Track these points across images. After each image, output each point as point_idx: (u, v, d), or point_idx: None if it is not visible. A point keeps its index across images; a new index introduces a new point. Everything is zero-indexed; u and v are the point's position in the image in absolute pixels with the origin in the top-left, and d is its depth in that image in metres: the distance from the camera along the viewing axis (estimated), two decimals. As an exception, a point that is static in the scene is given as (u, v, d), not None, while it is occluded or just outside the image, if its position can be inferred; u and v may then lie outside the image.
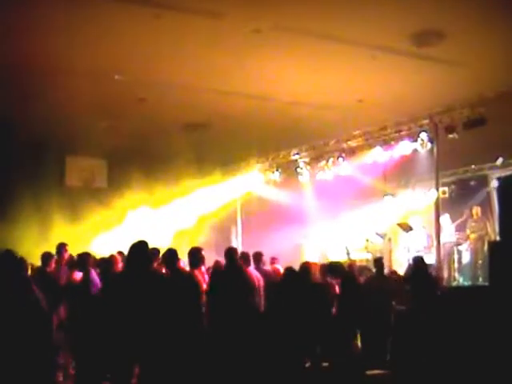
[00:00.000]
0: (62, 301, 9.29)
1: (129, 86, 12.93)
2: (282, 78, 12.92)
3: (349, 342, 9.72)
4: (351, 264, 13.27)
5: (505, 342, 8.21)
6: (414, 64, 12.08)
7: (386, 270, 12.87)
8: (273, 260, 12.27)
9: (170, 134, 15.43)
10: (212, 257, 11.21)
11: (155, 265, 9.49)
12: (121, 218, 17.18)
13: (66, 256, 10.59)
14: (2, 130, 14.60)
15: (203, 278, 9.68)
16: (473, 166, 17.78)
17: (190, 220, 18.09)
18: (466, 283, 15.96)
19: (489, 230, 16.42)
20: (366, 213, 18.30)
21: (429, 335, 9.68)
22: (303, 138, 15.62)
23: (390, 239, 16.61)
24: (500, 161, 16.51)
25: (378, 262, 12.30)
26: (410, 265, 13.19)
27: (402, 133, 13.85)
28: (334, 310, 9.83)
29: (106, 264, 9.73)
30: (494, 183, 16.57)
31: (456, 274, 16.41)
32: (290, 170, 16.70)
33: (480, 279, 15.63)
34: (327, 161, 15.55)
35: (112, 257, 9.88)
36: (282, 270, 10.95)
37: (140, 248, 8.37)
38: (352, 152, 15.07)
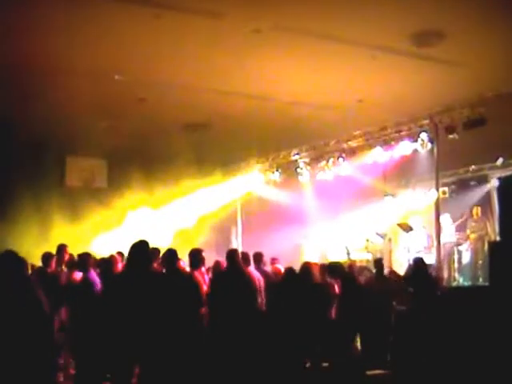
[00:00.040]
0: (63, 301, 9.29)
1: (129, 86, 12.93)
2: (282, 78, 12.92)
3: (349, 342, 9.72)
4: (351, 264, 13.29)
5: (505, 342, 8.21)
6: (414, 64, 12.08)
7: (385, 271, 12.86)
8: (273, 260, 12.26)
9: (170, 134, 15.43)
10: (212, 257, 11.21)
11: (155, 265, 9.48)
12: (121, 218, 17.18)
13: (67, 257, 10.58)
14: (2, 129, 14.60)
15: (203, 278, 9.68)
16: (473, 166, 17.76)
17: (190, 220, 18.09)
18: (466, 283, 15.97)
19: (489, 230, 16.44)
20: (366, 213, 18.29)
21: (429, 335, 9.67)
22: (303, 138, 15.62)
23: (390, 239, 16.61)
24: (500, 161, 16.50)
25: (378, 262, 12.32)
26: (410, 265, 13.19)
27: (402, 133, 13.84)
28: (333, 310, 9.82)
29: (106, 264, 9.74)
30: (494, 183, 16.57)
31: (456, 274, 16.41)
32: (290, 171, 16.70)
33: (480, 279, 15.64)
34: (327, 161, 15.55)
35: (112, 257, 9.89)
36: (282, 270, 10.94)
37: (141, 248, 8.37)
38: (352, 152, 15.07)
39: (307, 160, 16.17)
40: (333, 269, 10.37)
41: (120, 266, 9.71)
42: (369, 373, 9.81)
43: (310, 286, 9.72)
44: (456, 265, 16.53)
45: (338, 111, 14.32)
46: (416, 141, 13.35)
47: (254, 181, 17.75)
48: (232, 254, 9.52)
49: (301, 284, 9.78)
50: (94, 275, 9.34)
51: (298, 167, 16.29)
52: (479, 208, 16.86)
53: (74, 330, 9.10)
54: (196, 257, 9.56)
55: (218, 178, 18.06)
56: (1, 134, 14.76)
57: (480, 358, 8.58)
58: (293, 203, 17.81)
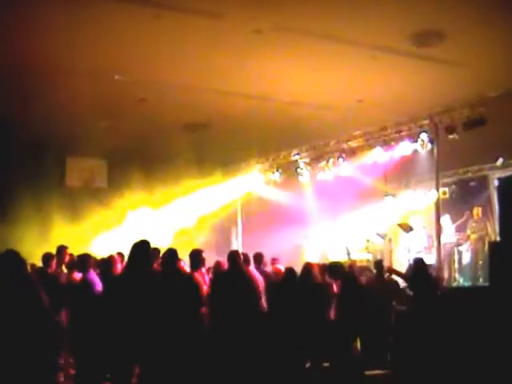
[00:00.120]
0: (63, 302, 9.28)
1: (129, 86, 12.93)
2: (282, 79, 12.91)
3: (349, 342, 9.71)
4: (352, 264, 13.28)
5: (505, 343, 8.21)
6: (414, 64, 12.08)
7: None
8: (273, 260, 12.26)
9: (170, 135, 15.44)
10: (212, 257, 11.21)
11: (155, 265, 9.48)
12: (121, 218, 17.19)
13: (67, 258, 10.58)
14: (2, 129, 14.60)
15: (203, 279, 9.68)
16: (473, 167, 17.76)
17: (190, 220, 18.08)
18: (466, 284, 15.96)
19: (489, 230, 16.42)
20: (366, 213, 18.29)
21: (429, 335, 9.68)
22: (303, 138, 15.62)
23: (390, 239, 16.59)
24: (500, 161, 16.50)
25: (378, 264, 12.31)
26: (410, 265, 13.19)
27: (403, 133, 13.83)
28: (333, 310, 9.82)
29: (106, 265, 9.74)
30: (495, 183, 16.56)
31: (456, 275, 16.41)
32: (290, 171, 16.69)
33: (480, 280, 15.64)
34: (327, 161, 15.54)
35: (111, 257, 9.89)
36: (283, 270, 10.94)
37: (142, 248, 8.37)
38: (352, 152, 15.05)
39: (307, 160, 16.16)
40: (333, 269, 10.37)
41: (119, 266, 9.71)
42: (369, 373, 9.80)
43: (310, 287, 9.72)
44: (456, 265, 16.53)
45: (338, 111, 14.32)
46: (416, 141, 13.34)
47: (254, 181, 17.74)
48: (233, 255, 9.52)
49: (301, 284, 9.79)
50: (94, 276, 9.33)
51: (298, 167, 16.28)
52: (479, 208, 16.85)
53: (73, 331, 9.09)
54: (196, 257, 9.56)
55: (218, 178, 18.06)
56: (1, 133, 14.75)
57: (480, 357, 8.58)
58: (293, 203, 17.80)
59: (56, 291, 8.74)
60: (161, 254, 9.54)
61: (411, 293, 11.10)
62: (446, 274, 15.19)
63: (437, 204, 13.28)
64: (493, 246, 10.63)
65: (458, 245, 16.77)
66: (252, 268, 10.51)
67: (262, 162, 17.39)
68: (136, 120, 14.80)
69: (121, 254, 10.52)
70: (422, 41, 11.07)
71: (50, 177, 16.46)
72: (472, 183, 18.04)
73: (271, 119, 14.70)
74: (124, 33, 10.78)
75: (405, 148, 13.91)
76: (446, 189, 17.51)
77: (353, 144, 15.02)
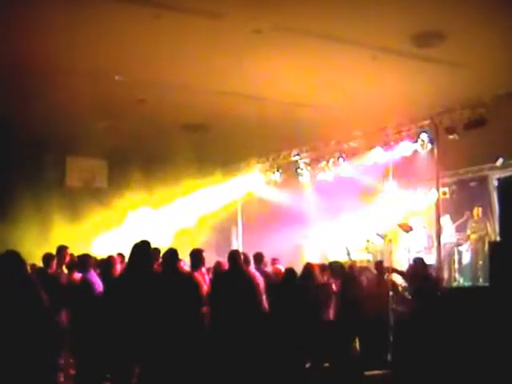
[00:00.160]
0: (63, 302, 9.29)
1: (129, 86, 12.92)
2: (282, 79, 12.90)
3: (348, 342, 9.72)
4: (352, 265, 13.27)
5: (505, 343, 8.20)
6: (414, 65, 12.07)
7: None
8: (274, 261, 12.26)
9: (170, 135, 15.44)
10: (212, 257, 11.21)
11: (155, 265, 9.49)
12: (121, 218, 17.19)
13: (67, 259, 10.59)
14: (2, 129, 14.59)
15: (203, 279, 9.68)
16: (473, 167, 17.74)
17: (190, 220, 18.08)
18: (466, 284, 15.96)
19: (489, 230, 16.41)
20: (366, 213, 18.28)
21: (429, 336, 9.68)
22: (304, 138, 15.61)
23: (390, 240, 16.52)
24: (500, 161, 16.47)
25: (379, 265, 12.32)
26: (410, 265, 13.18)
27: (403, 133, 13.81)
28: (332, 310, 9.83)
29: (106, 265, 9.74)
30: (495, 184, 16.55)
31: (456, 275, 16.41)
32: (290, 171, 16.68)
33: (480, 280, 15.63)
34: (327, 161, 15.54)
35: (110, 258, 9.90)
36: (283, 271, 10.94)
37: (142, 248, 8.38)
38: (352, 153, 15.05)
39: (307, 160, 16.15)
40: (333, 268, 10.37)
41: (119, 266, 9.72)
42: (369, 373, 9.81)
43: (311, 287, 9.73)
44: (456, 265, 16.53)
45: (338, 111, 14.30)
46: (416, 141, 13.34)
47: (254, 181, 17.73)
48: (234, 255, 9.52)
49: (302, 284, 9.79)
50: (94, 276, 9.34)
51: (299, 167, 16.27)
52: (480, 208, 16.84)
53: (73, 331, 9.09)
54: (196, 257, 9.59)
55: (219, 178, 18.06)
56: (1, 133, 14.75)
57: (480, 358, 8.58)
58: (293, 204, 17.79)
59: (56, 291, 8.75)
60: (161, 255, 9.55)
61: (409, 297, 11.12)
62: (446, 274, 15.21)
63: (437, 204, 13.27)
64: (493, 246, 10.62)
65: (458, 245, 16.77)
66: (252, 268, 10.52)
67: (263, 162, 17.38)
68: (136, 120, 14.80)
69: (121, 255, 10.53)
70: (423, 41, 11.07)
71: (50, 177, 16.47)
72: (472, 183, 18.01)
73: (271, 119, 14.68)
74: (124, 33, 10.78)
75: (405, 148, 13.90)
76: (446, 189, 17.48)
77: (353, 144, 15.01)
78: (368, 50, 11.40)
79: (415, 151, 13.68)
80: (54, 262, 10.12)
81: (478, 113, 12.21)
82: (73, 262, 10.17)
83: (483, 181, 17.57)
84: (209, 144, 16.10)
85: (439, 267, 13.34)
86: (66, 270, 10.35)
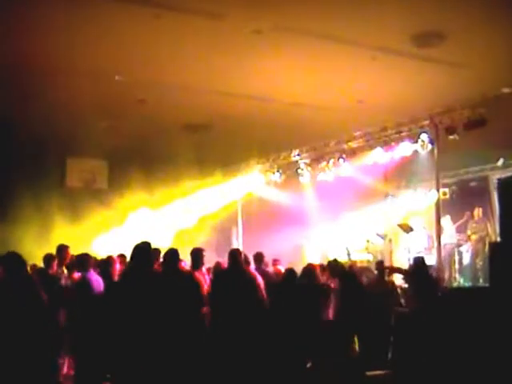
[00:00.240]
0: (62, 302, 9.29)
1: (129, 86, 12.93)
2: (283, 79, 12.91)
3: (348, 342, 9.71)
4: (352, 265, 13.29)
5: (505, 343, 8.20)
6: (414, 65, 12.08)
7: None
8: (275, 261, 12.27)
9: (170, 135, 15.45)
10: (213, 257, 11.21)
11: (156, 265, 9.49)
12: (121, 218, 17.19)
13: (68, 258, 10.59)
14: (2, 129, 14.59)
15: (204, 278, 9.68)
16: (474, 167, 17.74)
17: (190, 221, 18.08)
18: (466, 284, 15.96)
19: (489, 230, 16.42)
20: (366, 214, 18.28)
21: (429, 336, 9.66)
22: (304, 138, 15.62)
23: (390, 240, 16.60)
24: (501, 161, 16.48)
25: (379, 265, 12.31)
26: (410, 265, 13.18)
27: (403, 134, 13.80)
28: (331, 309, 9.82)
29: (105, 265, 9.75)
30: (495, 184, 16.55)
31: (457, 275, 16.42)
32: (290, 171, 16.68)
33: (480, 280, 15.64)
34: (328, 162, 15.53)
35: (110, 258, 9.91)
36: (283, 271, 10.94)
37: (143, 249, 8.39)
38: (352, 153, 15.04)
39: (308, 161, 16.15)
40: (332, 268, 10.37)
41: (118, 266, 9.73)
42: (369, 373, 9.79)
43: (313, 287, 9.73)
44: (456, 266, 16.54)
45: (338, 112, 14.32)
46: (416, 141, 13.33)
47: (254, 181, 17.73)
48: (234, 254, 9.52)
49: (303, 285, 9.79)
50: (94, 275, 9.34)
51: (299, 168, 16.28)
52: (480, 209, 16.85)
53: (73, 331, 9.09)
54: (197, 256, 9.60)
55: (219, 178, 18.07)
56: (1, 133, 14.75)
57: (480, 358, 8.57)
58: (293, 204, 17.80)
59: (56, 291, 8.76)
60: (161, 255, 9.55)
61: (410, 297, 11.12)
62: (446, 275, 15.19)
63: (437, 204, 13.27)
64: (493, 246, 10.60)
65: (459, 245, 16.78)
66: (252, 268, 10.52)
67: (263, 162, 17.38)
68: (136, 120, 14.80)
69: (123, 256, 10.52)
70: (423, 41, 11.07)
71: (51, 177, 16.46)
72: (472, 184, 18.02)
73: (271, 120, 14.69)
74: (124, 33, 10.78)
75: (405, 148, 13.90)
76: (447, 189, 17.48)
77: (353, 144, 15.00)
78: (368, 50, 11.41)
79: (415, 151, 13.68)
80: (55, 263, 10.12)
81: (478, 113, 12.20)
82: (72, 262, 10.18)
83: (483, 181, 17.57)
84: (209, 144, 16.10)
85: (439, 268, 13.32)
86: (66, 271, 10.36)
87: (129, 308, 8.04)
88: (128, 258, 8.96)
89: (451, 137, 12.74)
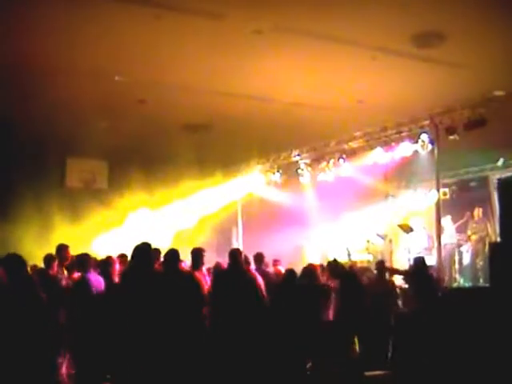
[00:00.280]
0: (62, 302, 9.29)
1: (129, 86, 12.91)
2: (283, 79, 12.90)
3: (348, 342, 9.71)
4: (352, 265, 13.28)
5: (505, 343, 8.20)
6: (414, 65, 12.07)
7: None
8: (275, 262, 12.27)
9: (170, 135, 15.44)
10: (213, 258, 11.20)
11: (156, 265, 9.49)
12: (121, 218, 17.17)
13: (68, 258, 10.59)
14: (2, 129, 14.58)
15: (204, 278, 9.68)
16: (474, 167, 17.74)
17: (190, 221, 18.07)
18: (466, 284, 15.97)
19: (490, 231, 16.42)
20: (366, 214, 18.28)
21: (430, 336, 9.67)
22: (304, 139, 15.62)
23: (390, 240, 16.61)
24: (501, 161, 16.49)
25: (380, 264, 12.31)
26: (410, 266, 13.18)
27: (403, 134, 13.82)
28: (331, 310, 9.82)
29: (104, 265, 9.75)
30: (495, 184, 16.55)
31: (457, 275, 16.43)
32: (290, 171, 16.69)
33: (481, 280, 15.65)
34: (328, 162, 15.55)
35: (109, 258, 9.91)
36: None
37: (144, 250, 8.39)
38: (353, 153, 15.05)
39: (308, 161, 16.17)
40: (332, 268, 10.37)
41: (118, 266, 9.73)
42: (369, 373, 9.80)
43: (311, 287, 9.73)
44: (457, 266, 16.55)
45: (338, 112, 14.31)
46: (416, 142, 13.35)
47: (254, 182, 17.74)
48: (234, 253, 9.54)
49: (301, 285, 9.78)
50: (94, 275, 9.33)
51: (299, 168, 16.29)
52: (480, 209, 16.85)
53: (73, 330, 9.08)
54: (197, 257, 9.60)
55: (219, 178, 18.06)
56: (1, 133, 14.74)
57: (481, 358, 8.57)
58: (294, 204, 17.79)
59: (56, 292, 8.76)
60: (161, 255, 9.56)
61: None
62: (446, 275, 15.19)
63: (437, 205, 13.28)
64: (493, 246, 10.61)
65: (459, 245, 16.79)
66: (252, 269, 10.52)
67: (263, 162, 17.39)
68: (136, 121, 14.78)
69: (124, 255, 10.50)
70: (423, 42, 11.06)
71: (51, 177, 16.45)
72: (472, 184, 18.02)
73: (272, 120, 14.68)
74: (124, 33, 10.77)
75: (405, 149, 13.91)
76: (447, 189, 17.50)
77: (353, 145, 15.01)
78: (368, 50, 11.39)
79: (415, 152, 13.68)
80: (55, 263, 10.12)
81: (478, 113, 12.21)
82: (72, 262, 10.17)
83: (483, 181, 17.57)
84: (209, 144, 16.09)
85: (440, 268, 13.32)
86: (66, 272, 10.36)
87: (129, 308, 8.05)
88: (129, 258, 8.98)
89: (451, 137, 12.74)
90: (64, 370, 9.47)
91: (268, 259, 11.83)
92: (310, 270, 10.05)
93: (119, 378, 8.49)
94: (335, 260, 11.53)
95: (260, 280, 9.68)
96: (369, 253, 16.78)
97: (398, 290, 12.20)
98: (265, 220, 18.11)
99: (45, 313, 7.36)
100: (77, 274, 9.54)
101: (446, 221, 16.19)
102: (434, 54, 11.51)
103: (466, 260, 16.65)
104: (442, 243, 13.73)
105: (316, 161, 15.95)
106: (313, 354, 9.62)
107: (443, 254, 14.22)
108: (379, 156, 14.50)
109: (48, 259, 10.03)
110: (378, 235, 16.99)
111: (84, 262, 9.45)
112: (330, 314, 9.79)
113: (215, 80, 12.78)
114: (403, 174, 17.52)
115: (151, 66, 12.03)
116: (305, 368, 9.56)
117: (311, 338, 9.42)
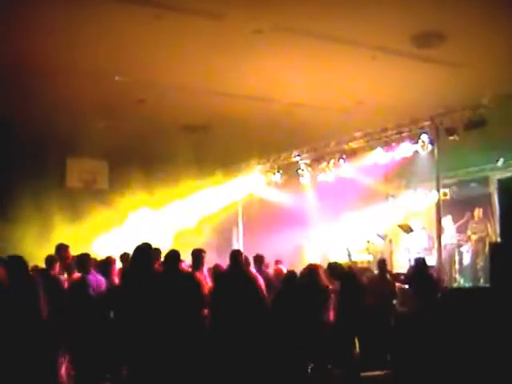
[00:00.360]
0: (63, 303, 9.29)
1: (129, 86, 12.91)
2: (283, 79, 12.89)
3: (349, 342, 9.70)
4: (352, 266, 13.27)
5: (505, 343, 8.20)
6: (414, 65, 12.07)
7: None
8: (277, 262, 12.27)
9: (170, 135, 15.44)
10: (213, 258, 11.20)
11: (156, 265, 9.48)
12: (122, 218, 17.17)
13: (68, 258, 10.59)
14: (2, 129, 14.58)
15: (205, 279, 9.68)
16: (474, 168, 17.73)
17: (191, 221, 18.07)
18: (466, 284, 15.96)
19: (490, 231, 16.42)
20: (366, 214, 18.28)
21: (430, 336, 9.67)
22: (304, 139, 15.61)
23: (390, 240, 16.60)
24: (501, 162, 16.47)
25: (382, 263, 12.30)
26: (411, 266, 13.18)
27: (403, 134, 13.80)
28: (331, 311, 9.82)
29: (104, 265, 9.75)
30: (495, 184, 16.55)
31: (457, 276, 16.43)
32: (291, 172, 16.66)
33: (481, 281, 15.64)
34: (328, 162, 15.52)
35: (109, 258, 9.91)
36: (285, 271, 10.94)
37: (144, 250, 8.39)
38: (353, 153, 15.03)
39: (308, 161, 16.14)
40: (332, 270, 10.37)
41: (117, 266, 9.73)
42: (369, 374, 9.80)
43: (315, 288, 9.72)
44: (457, 266, 16.55)
45: (338, 112, 14.31)
46: (417, 142, 13.32)
47: (255, 182, 17.72)
48: (235, 254, 9.53)
49: (301, 285, 9.78)
50: (94, 275, 9.34)
51: (299, 168, 16.26)
52: (480, 209, 16.84)
53: (73, 330, 9.08)
54: (197, 257, 9.61)
55: (219, 179, 18.04)
56: (1, 133, 14.74)
57: (481, 358, 8.57)
58: (294, 204, 17.79)
59: (57, 292, 8.76)
60: (162, 255, 9.55)
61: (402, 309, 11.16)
62: (446, 275, 15.18)
63: (437, 205, 13.26)
64: (493, 246, 10.62)
65: (459, 246, 16.79)
66: (252, 269, 10.52)
67: (263, 163, 17.37)
68: (136, 121, 14.79)
69: (127, 254, 10.49)
70: (423, 42, 11.07)
71: (51, 177, 16.44)
72: (473, 184, 18.01)
73: (272, 120, 14.68)
74: (124, 33, 10.77)
75: (405, 149, 13.89)
76: (447, 190, 17.48)
77: (353, 145, 14.99)
78: (368, 50, 11.40)
79: (416, 152, 13.67)
80: (57, 264, 10.12)
81: (478, 113, 12.20)
82: (72, 262, 10.18)
83: (484, 181, 17.56)
84: (209, 144, 16.08)
85: (440, 268, 13.32)
86: (66, 273, 10.36)
87: (129, 308, 8.05)
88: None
89: (451, 137, 12.73)
90: (64, 370, 9.50)
91: (268, 259, 11.84)
92: (310, 269, 10.03)
93: (119, 378, 8.48)
94: (335, 262, 11.54)
95: (261, 281, 9.68)
96: (369, 253, 16.77)
97: (396, 290, 12.18)
98: (265, 220, 18.10)
99: (45, 313, 7.36)
100: (77, 275, 9.54)
101: (447, 221, 16.18)
102: (434, 54, 11.51)
103: (467, 260, 16.64)
104: (442, 243, 13.71)
105: (316, 161, 15.92)
106: (313, 354, 9.61)
107: (443, 254, 14.21)
108: (379, 156, 14.48)
109: (50, 260, 10.03)
110: (378, 235, 16.99)
111: (84, 262, 9.46)
112: (331, 315, 9.77)
113: (215, 80, 12.78)
114: (403, 174, 17.50)
115: (151, 66, 12.03)
116: (305, 368, 9.55)
117: (311, 338, 9.41)
